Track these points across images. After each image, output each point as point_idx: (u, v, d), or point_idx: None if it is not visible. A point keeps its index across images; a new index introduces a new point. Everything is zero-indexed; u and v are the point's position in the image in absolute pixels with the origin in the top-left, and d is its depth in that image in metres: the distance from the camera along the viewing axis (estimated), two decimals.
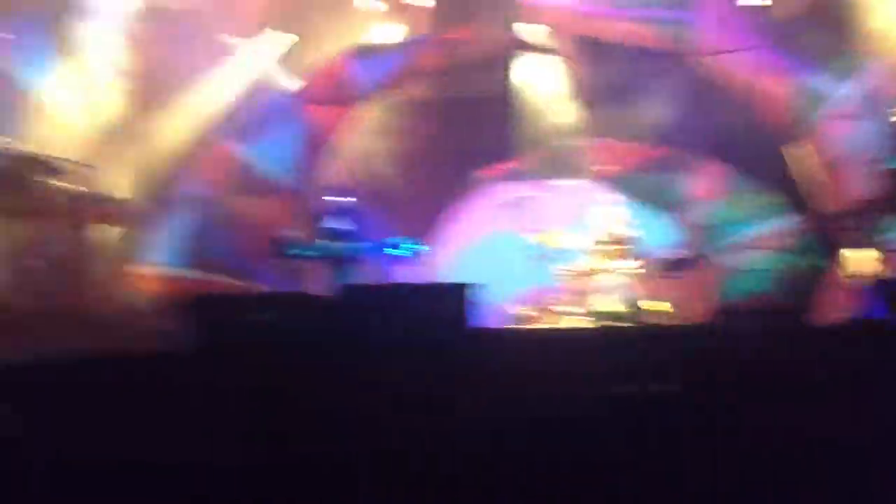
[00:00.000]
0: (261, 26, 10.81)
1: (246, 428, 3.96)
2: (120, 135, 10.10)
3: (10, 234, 6.36)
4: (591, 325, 7.93)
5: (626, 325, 7.79)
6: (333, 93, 10.88)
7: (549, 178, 9.95)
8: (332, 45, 10.98)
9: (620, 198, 9.55)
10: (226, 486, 3.86)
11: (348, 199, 8.86)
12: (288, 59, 11.10)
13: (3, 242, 6.42)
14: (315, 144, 10.93)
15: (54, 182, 6.45)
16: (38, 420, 3.93)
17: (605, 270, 8.47)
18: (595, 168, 9.88)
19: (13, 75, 9.65)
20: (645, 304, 8.31)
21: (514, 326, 8.30)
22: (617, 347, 4.64)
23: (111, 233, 9.17)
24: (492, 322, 9.35)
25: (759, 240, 10.21)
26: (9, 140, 6.89)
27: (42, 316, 5.74)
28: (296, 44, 11.08)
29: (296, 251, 8.02)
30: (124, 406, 3.98)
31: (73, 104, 9.95)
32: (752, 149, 9.98)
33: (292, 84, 10.88)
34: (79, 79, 9.93)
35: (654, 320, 8.12)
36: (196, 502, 3.82)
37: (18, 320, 5.18)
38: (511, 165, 11.17)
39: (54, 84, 9.85)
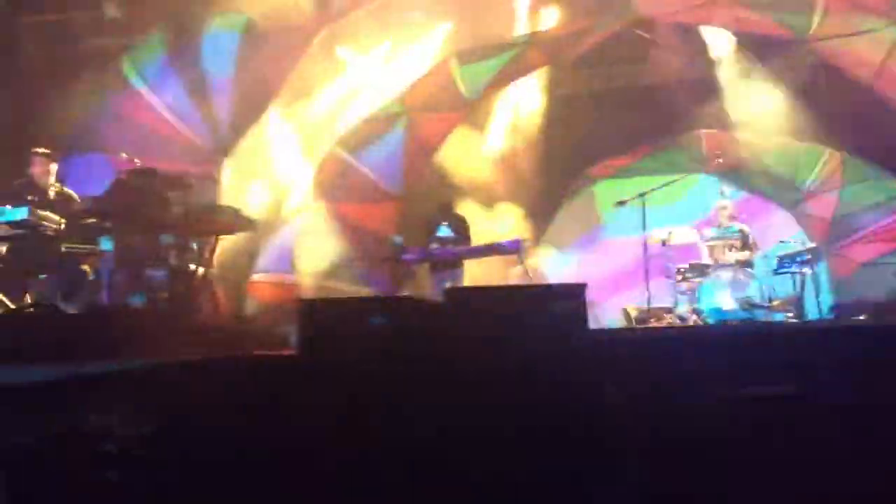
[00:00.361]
0: (370, 36, 10.93)
1: (360, 432, 3.95)
2: (236, 147, 10.44)
3: (132, 245, 6.59)
4: (708, 324, 7.64)
5: (743, 322, 7.47)
6: (439, 99, 10.89)
7: (664, 172, 9.65)
8: (438, 50, 11.02)
9: (738, 190, 9.19)
10: (339, 488, 3.87)
11: (457, 202, 8.82)
12: (394, 66, 11.21)
13: (126, 253, 6.67)
14: (424, 150, 10.97)
15: (173, 194, 6.64)
16: (160, 421, 4.04)
17: (722, 266, 8.14)
18: (712, 161, 9.53)
19: (142, 95, 10.17)
20: (763, 301, 7.95)
21: (631, 326, 8.07)
22: (734, 346, 4.44)
23: (228, 242, 9.45)
24: (608, 323, 9.18)
25: (886, 232, 9.66)
26: (127, 156, 7.16)
27: (162, 322, 5.92)
28: (403, 50, 11.17)
29: (406, 256, 8.02)
30: (239, 408, 4.04)
31: (194, 119, 10.35)
32: (880, 136, 9.42)
33: (399, 90, 10.96)
34: (199, 95, 10.33)
35: (772, 318, 7.77)
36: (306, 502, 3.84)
37: (142, 327, 5.36)
38: (624, 161, 10.94)
39: (177, 101, 10.28)
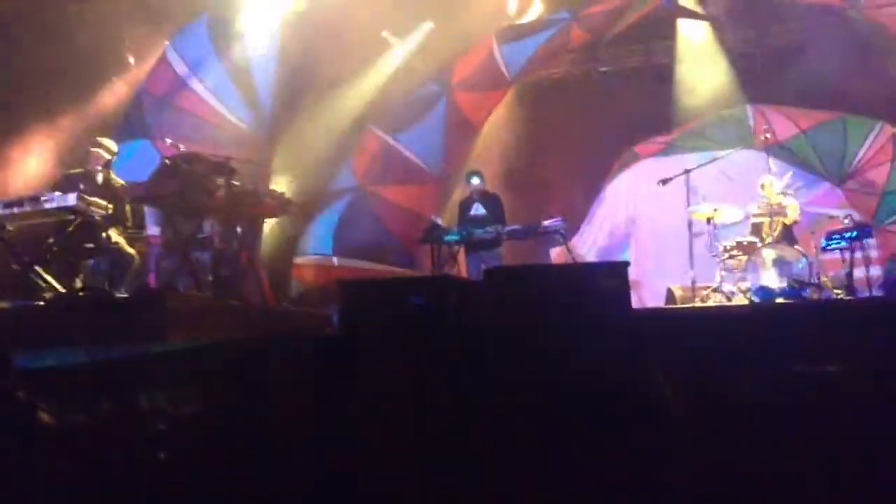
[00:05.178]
0: (410, 18, 10.89)
1: (399, 410, 3.98)
2: (279, 131, 10.51)
3: (178, 228, 6.69)
4: (753, 302, 7.52)
5: (791, 301, 7.32)
6: (480, 78, 10.82)
7: (708, 149, 9.49)
8: (478, 30, 10.93)
9: (784, 167, 9.00)
10: (378, 463, 3.90)
11: (495, 182, 8.77)
12: (434, 48, 11.16)
13: (172, 237, 6.78)
14: (464, 129, 10.93)
15: (217, 179, 6.71)
16: (206, 400, 4.11)
17: (769, 244, 7.99)
18: (757, 136, 9.33)
19: (188, 84, 10.28)
20: (811, 279, 7.77)
21: (675, 306, 7.97)
22: (782, 325, 4.37)
23: (271, 225, 9.55)
24: (651, 302, 9.08)
25: None
26: (171, 141, 7.24)
27: (208, 304, 6.01)
28: (441, 31, 11.11)
29: (445, 236, 8.01)
30: (283, 387, 4.10)
31: (237, 104, 10.44)
32: None
33: (439, 72, 10.92)
34: (242, 80, 10.40)
35: (820, 296, 7.60)
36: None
37: (188, 309, 5.45)
38: (667, 138, 10.79)
39: (220, 86, 10.38)
